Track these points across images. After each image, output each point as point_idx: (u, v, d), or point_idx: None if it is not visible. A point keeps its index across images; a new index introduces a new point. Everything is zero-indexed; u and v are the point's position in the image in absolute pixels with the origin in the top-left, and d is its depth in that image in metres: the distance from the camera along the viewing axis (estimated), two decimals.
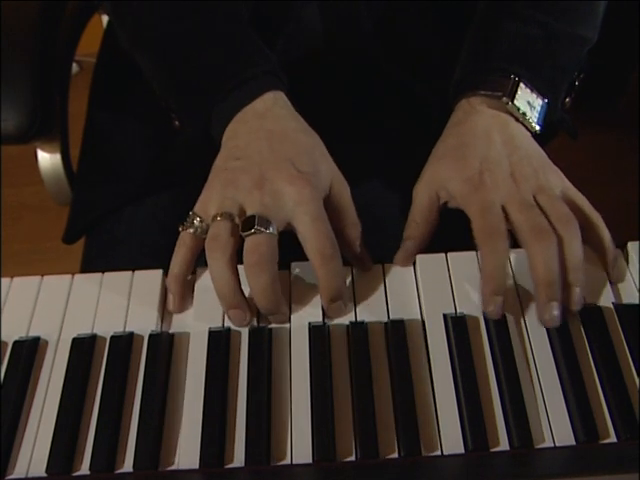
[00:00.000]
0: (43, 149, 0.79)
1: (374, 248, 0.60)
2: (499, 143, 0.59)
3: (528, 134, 0.61)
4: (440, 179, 0.59)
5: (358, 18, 0.72)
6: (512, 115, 0.60)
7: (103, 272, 0.58)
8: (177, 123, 0.64)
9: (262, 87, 0.59)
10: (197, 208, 0.56)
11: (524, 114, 0.60)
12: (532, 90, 0.61)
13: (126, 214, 0.73)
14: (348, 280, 0.57)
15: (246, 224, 0.52)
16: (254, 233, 0.52)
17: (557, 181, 0.58)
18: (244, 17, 0.64)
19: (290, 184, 0.54)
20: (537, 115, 0.61)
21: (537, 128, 0.61)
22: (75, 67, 1.67)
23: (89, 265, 0.74)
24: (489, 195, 0.55)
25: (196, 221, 0.55)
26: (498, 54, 0.63)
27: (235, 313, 0.53)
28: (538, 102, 0.61)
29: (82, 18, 0.86)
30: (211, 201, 0.55)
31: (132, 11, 0.65)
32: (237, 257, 0.53)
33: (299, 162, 0.55)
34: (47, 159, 0.78)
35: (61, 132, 0.78)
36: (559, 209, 0.55)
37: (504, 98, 0.60)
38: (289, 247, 0.55)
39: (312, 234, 0.53)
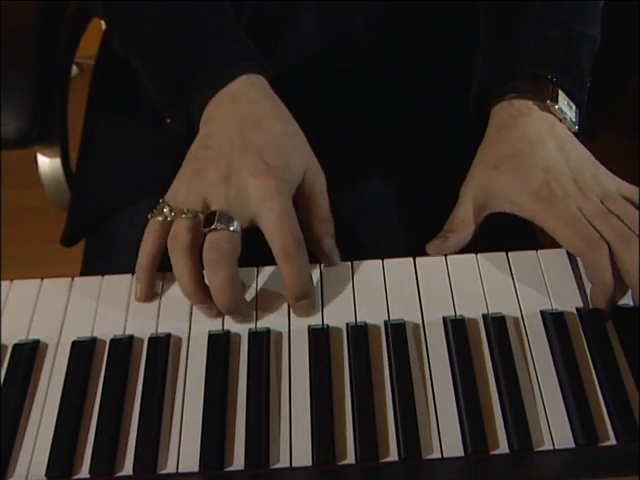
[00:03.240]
0: (43, 153, 0.79)
1: (377, 246, 0.60)
2: (554, 149, 0.59)
3: (572, 135, 0.61)
4: (502, 191, 0.58)
5: (355, 21, 0.72)
6: (557, 116, 0.61)
7: (103, 275, 0.58)
8: (168, 121, 0.64)
9: (238, 71, 0.59)
10: (167, 196, 0.56)
11: (565, 116, 0.61)
12: (564, 92, 0.61)
13: (125, 215, 0.73)
14: (348, 279, 0.57)
15: (207, 221, 0.52)
16: (214, 230, 0.52)
17: (611, 182, 0.59)
18: (228, 10, 0.64)
19: (256, 177, 0.53)
20: (575, 115, 0.62)
21: (576, 128, 0.62)
22: (75, 69, 1.67)
23: (89, 267, 0.74)
24: (567, 205, 0.56)
25: (165, 209, 0.55)
26: (527, 58, 0.63)
27: (201, 308, 0.54)
28: (572, 103, 0.62)
29: (82, 20, 0.86)
30: (179, 192, 0.55)
31: (122, 6, 0.65)
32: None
33: (268, 153, 0.54)
34: (47, 163, 0.78)
35: (61, 136, 0.78)
36: (629, 212, 0.56)
37: (548, 101, 0.60)
38: None
39: (277, 231, 0.52)
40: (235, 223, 0.52)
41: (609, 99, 1.80)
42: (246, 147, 0.55)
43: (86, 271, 0.73)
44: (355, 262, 0.58)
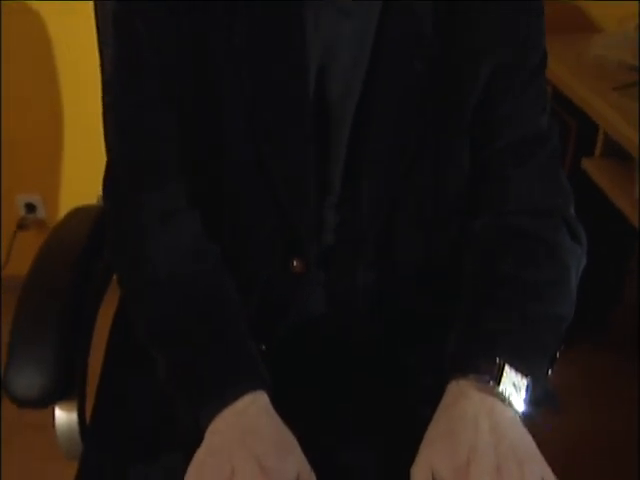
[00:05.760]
0: (60, 407, 0.82)
1: None
2: (486, 431, 0.62)
3: (515, 417, 0.64)
4: (432, 464, 0.62)
5: (357, 301, 0.79)
6: (499, 397, 0.64)
7: None
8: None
9: (242, 391, 0.66)
10: None
11: (510, 396, 0.64)
12: (516, 372, 0.65)
13: (141, 472, 0.75)
14: None
15: None
16: None
17: (538, 470, 0.61)
18: (240, 323, 0.72)
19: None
20: (523, 395, 0.65)
21: (520, 411, 0.64)
22: None
23: None
24: None
25: None
26: (482, 340, 0.68)
27: None
28: (523, 382, 0.65)
29: (107, 277, 0.93)
30: None
31: (144, 315, 0.74)
32: None
33: (265, 457, 0.61)
34: (64, 418, 0.81)
35: (79, 392, 0.82)
36: None
37: (491, 382, 0.64)
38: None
39: None
40: None
41: (603, 314, 1.83)
42: (246, 455, 0.61)
43: None
44: None
